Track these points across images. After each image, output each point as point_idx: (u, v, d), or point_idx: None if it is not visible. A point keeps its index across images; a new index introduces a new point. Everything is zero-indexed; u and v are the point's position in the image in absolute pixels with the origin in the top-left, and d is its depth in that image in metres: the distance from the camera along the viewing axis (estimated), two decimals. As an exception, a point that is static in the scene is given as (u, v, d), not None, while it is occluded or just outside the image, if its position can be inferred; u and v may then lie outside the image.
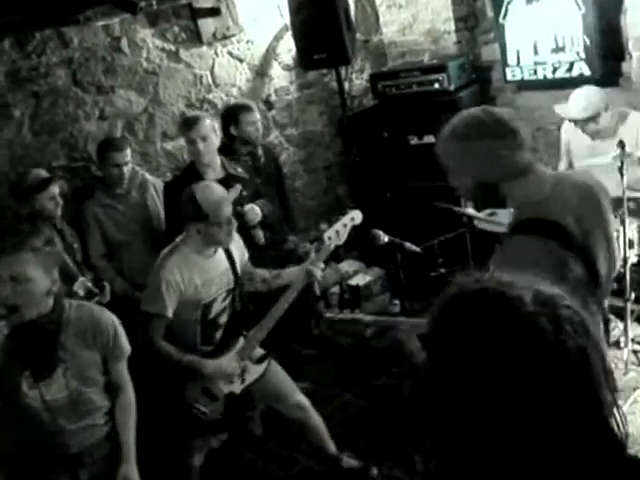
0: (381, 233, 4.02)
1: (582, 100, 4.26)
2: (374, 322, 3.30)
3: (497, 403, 0.98)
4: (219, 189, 3.40)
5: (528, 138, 2.17)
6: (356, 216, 3.67)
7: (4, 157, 4.31)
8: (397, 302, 5.35)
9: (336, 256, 5.57)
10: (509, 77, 5.43)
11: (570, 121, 4.42)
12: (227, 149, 4.56)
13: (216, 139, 4.29)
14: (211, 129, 4.22)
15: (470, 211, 4.62)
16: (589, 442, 0.98)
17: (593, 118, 4.27)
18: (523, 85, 5.50)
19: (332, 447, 3.77)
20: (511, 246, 2.18)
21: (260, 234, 4.44)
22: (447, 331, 1.05)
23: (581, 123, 4.33)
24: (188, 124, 4.23)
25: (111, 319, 2.89)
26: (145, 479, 2.96)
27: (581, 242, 2.12)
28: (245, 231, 4.06)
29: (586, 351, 1.00)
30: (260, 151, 4.88)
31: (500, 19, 5.29)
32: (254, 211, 4.30)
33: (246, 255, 3.72)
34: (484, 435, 1.00)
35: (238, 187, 3.57)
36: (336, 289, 5.61)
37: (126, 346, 2.93)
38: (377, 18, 6.24)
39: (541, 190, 2.17)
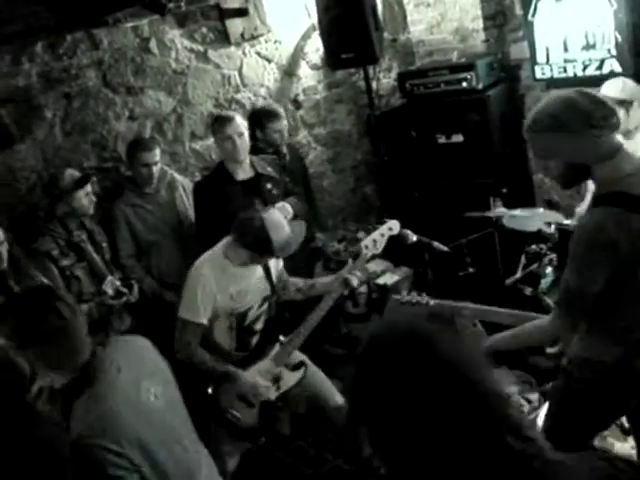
0: (409, 232, 4.01)
1: (619, 82, 4.22)
2: (438, 306, 3.24)
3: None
4: (287, 226, 3.38)
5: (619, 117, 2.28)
6: (394, 226, 3.68)
7: (37, 158, 4.35)
8: (425, 302, 5.32)
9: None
10: (538, 75, 5.38)
11: None
12: (251, 148, 4.57)
13: (248, 136, 4.29)
14: (244, 126, 4.24)
15: (500, 210, 4.60)
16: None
17: (627, 104, 4.20)
18: (552, 83, 5.43)
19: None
20: (584, 217, 2.31)
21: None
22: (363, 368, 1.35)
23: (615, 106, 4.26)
24: (224, 120, 4.22)
25: None
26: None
27: None
28: None
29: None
30: (285, 149, 4.91)
31: (529, 17, 5.24)
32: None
33: (281, 264, 3.72)
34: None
35: (302, 224, 3.59)
36: (364, 288, 5.59)
37: None
38: (405, 17, 6.21)
39: (626, 168, 2.25)
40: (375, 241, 3.60)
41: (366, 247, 3.58)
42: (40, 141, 4.37)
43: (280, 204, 4.28)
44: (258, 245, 3.28)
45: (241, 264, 3.39)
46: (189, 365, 3.36)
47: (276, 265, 3.64)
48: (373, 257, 3.71)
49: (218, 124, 4.26)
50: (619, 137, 2.30)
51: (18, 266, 3.44)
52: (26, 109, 4.30)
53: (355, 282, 3.57)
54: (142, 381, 2.24)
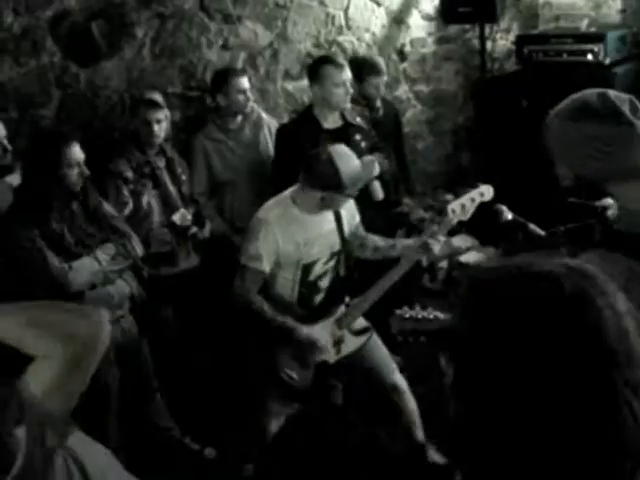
0: (505, 209, 3.76)
1: None
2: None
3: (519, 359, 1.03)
4: (357, 160, 3.27)
5: None
6: (487, 192, 3.43)
7: (121, 78, 4.30)
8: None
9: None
10: (677, 56, 4.91)
11: None
12: None
13: None
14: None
15: (608, 201, 4.25)
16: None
17: None
18: (691, 66, 4.98)
19: (420, 434, 3.61)
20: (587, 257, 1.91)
21: (378, 187, 4.20)
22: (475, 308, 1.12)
23: None
24: (341, 66, 4.01)
25: None
26: (220, 437, 2.84)
27: None
28: None
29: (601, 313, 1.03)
30: (379, 103, 4.73)
31: (680, -13, 4.78)
32: (373, 163, 4.10)
33: (357, 218, 3.58)
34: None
35: (376, 163, 3.47)
36: (444, 264, 5.36)
37: None
38: (534, -26, 5.93)
39: None
40: (464, 206, 3.36)
41: (453, 211, 3.33)
42: (127, 60, 4.32)
43: (369, 158, 4.06)
44: (326, 179, 3.15)
45: (310, 210, 3.30)
46: (247, 317, 3.32)
47: (350, 220, 3.51)
48: (459, 224, 3.48)
49: (334, 68, 4.01)
50: None
51: (84, 188, 3.36)
52: (117, 25, 4.24)
53: (436, 248, 3.33)
54: None
